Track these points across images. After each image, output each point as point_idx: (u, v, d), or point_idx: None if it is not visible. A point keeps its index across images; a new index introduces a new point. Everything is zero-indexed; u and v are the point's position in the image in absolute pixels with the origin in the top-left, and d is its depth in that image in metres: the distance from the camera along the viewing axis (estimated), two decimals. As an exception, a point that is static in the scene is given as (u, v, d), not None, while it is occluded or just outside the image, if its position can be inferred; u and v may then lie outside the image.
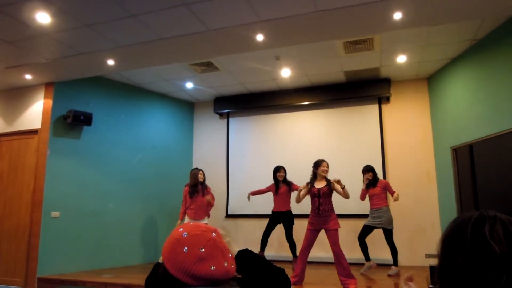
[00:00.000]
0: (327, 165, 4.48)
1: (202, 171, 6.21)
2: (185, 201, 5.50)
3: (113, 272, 5.36)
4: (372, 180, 5.19)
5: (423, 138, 6.14)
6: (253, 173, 6.85)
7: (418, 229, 5.91)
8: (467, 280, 0.80)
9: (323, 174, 4.43)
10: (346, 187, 4.40)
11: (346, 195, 4.40)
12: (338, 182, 4.38)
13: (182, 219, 5.44)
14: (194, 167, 6.89)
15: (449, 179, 5.46)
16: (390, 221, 5.08)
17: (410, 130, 6.23)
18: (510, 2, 3.58)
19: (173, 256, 0.98)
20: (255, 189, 5.77)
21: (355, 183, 5.41)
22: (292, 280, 4.24)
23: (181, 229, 1.04)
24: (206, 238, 1.00)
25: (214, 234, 1.03)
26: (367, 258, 5.13)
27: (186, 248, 0.98)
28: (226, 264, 0.99)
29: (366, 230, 5.17)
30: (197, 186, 5.45)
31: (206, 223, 5.59)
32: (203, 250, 0.97)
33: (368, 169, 5.25)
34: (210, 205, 5.61)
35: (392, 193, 5.12)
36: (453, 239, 0.87)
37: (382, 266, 5.34)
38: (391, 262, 5.13)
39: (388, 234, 5.04)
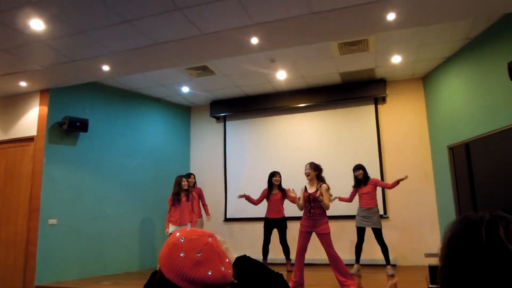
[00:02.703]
0: (308, 167, 4.42)
1: (193, 175, 6.17)
2: (170, 209, 5.38)
3: (112, 279, 5.33)
4: (363, 179, 5.21)
5: (420, 138, 6.15)
6: (250, 176, 6.84)
7: (416, 229, 5.91)
8: (484, 285, 0.79)
9: (306, 176, 4.42)
10: (330, 200, 4.41)
11: (325, 206, 4.31)
12: (327, 191, 4.33)
13: (169, 227, 5.30)
14: (191, 171, 6.88)
15: (446, 178, 5.47)
16: (379, 220, 5.14)
17: (407, 130, 6.24)
18: (500, 1, 3.60)
19: (170, 261, 0.98)
20: (252, 195, 5.71)
21: (351, 183, 5.44)
22: (291, 284, 4.23)
23: (178, 234, 1.03)
24: (202, 242, 1.00)
25: (210, 238, 1.02)
26: (358, 260, 5.25)
27: (183, 253, 0.98)
28: (223, 269, 0.99)
29: (362, 234, 5.21)
30: (179, 194, 5.32)
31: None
32: (200, 254, 0.97)
33: (359, 167, 5.27)
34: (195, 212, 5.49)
35: (386, 185, 5.25)
36: (464, 242, 0.84)
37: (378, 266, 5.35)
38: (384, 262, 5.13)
39: (379, 234, 5.06)
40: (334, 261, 4.21)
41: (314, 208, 4.32)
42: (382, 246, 5.04)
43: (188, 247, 0.98)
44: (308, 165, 4.44)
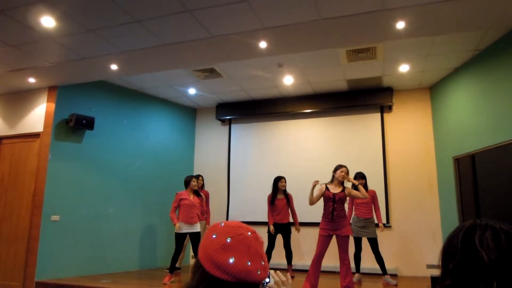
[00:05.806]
0: (347, 170, 4.40)
1: (201, 177, 6.20)
2: (174, 206, 5.25)
3: (112, 278, 5.33)
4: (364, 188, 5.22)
5: (425, 148, 6.12)
6: (254, 180, 6.83)
7: (419, 239, 5.86)
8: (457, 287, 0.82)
9: (340, 178, 4.36)
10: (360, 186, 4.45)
11: (364, 194, 4.37)
12: (350, 180, 4.42)
13: (176, 223, 5.14)
14: (195, 173, 6.88)
15: (450, 189, 5.43)
16: (375, 230, 5.14)
17: (412, 140, 6.21)
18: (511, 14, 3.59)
19: (204, 242, 1.02)
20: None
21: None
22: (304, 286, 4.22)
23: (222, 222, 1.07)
24: (237, 231, 1.00)
25: (249, 233, 1.01)
26: (358, 269, 5.26)
27: (215, 234, 1.00)
28: (249, 264, 0.96)
29: (359, 243, 5.19)
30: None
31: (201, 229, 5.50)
32: (229, 240, 0.98)
33: (362, 176, 5.25)
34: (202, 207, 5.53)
35: (377, 205, 5.24)
36: (447, 248, 0.89)
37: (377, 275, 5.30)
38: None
39: (376, 244, 5.05)
40: (347, 266, 4.18)
41: (337, 210, 4.26)
42: (379, 256, 5.03)
43: (222, 230, 1.01)
44: (345, 167, 4.41)
